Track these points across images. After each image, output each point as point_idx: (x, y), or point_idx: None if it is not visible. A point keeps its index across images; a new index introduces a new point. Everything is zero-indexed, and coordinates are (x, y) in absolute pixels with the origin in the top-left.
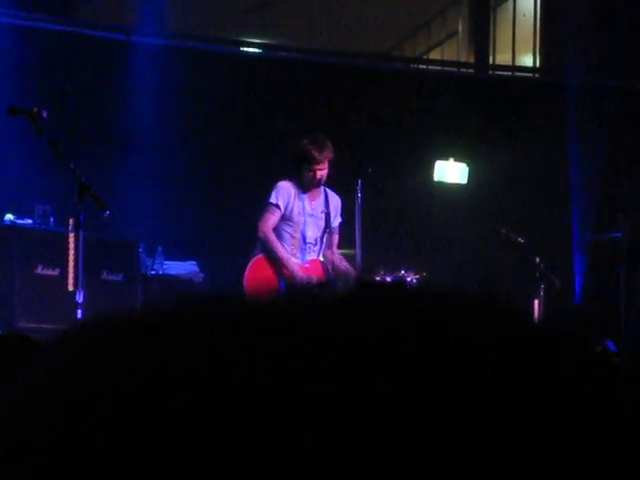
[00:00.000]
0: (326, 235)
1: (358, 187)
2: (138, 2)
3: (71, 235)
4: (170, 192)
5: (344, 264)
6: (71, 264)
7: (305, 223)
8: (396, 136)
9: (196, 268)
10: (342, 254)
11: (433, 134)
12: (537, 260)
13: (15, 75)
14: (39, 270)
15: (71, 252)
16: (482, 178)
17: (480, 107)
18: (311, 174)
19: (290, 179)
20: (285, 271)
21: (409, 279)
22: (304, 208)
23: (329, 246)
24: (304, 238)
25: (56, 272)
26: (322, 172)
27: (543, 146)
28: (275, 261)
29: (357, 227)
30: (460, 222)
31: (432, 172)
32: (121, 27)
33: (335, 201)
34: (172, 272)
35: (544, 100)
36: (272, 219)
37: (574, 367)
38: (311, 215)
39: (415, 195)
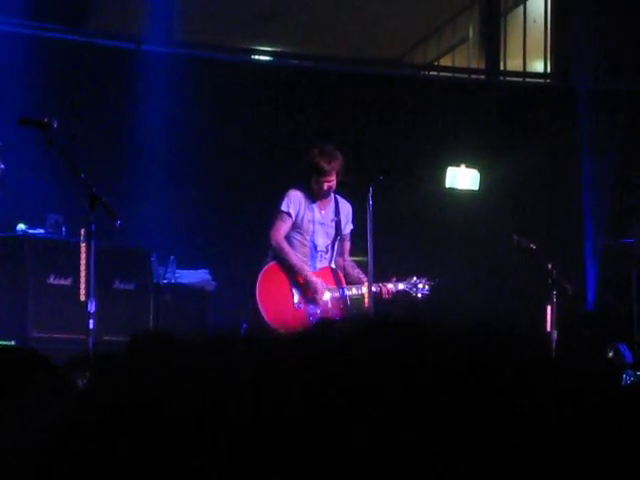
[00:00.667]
0: (337, 243)
1: (369, 194)
2: (148, 11)
3: (83, 245)
4: (182, 200)
5: (356, 271)
6: (83, 274)
7: (315, 231)
8: (407, 143)
9: (209, 276)
10: (355, 261)
11: (444, 140)
12: (549, 266)
13: (26, 85)
14: (51, 280)
15: (83, 262)
16: (494, 184)
17: (491, 113)
18: (319, 185)
19: (301, 187)
20: (299, 278)
21: (421, 286)
22: (314, 216)
23: (340, 253)
24: (314, 246)
25: (68, 282)
26: (330, 183)
27: (555, 152)
28: (288, 268)
29: (369, 234)
30: (472, 228)
31: (444, 178)
32: (131, 36)
33: (346, 208)
34: (184, 281)
35: (555, 106)
36: (284, 227)
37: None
38: (321, 223)
39: (427, 202)
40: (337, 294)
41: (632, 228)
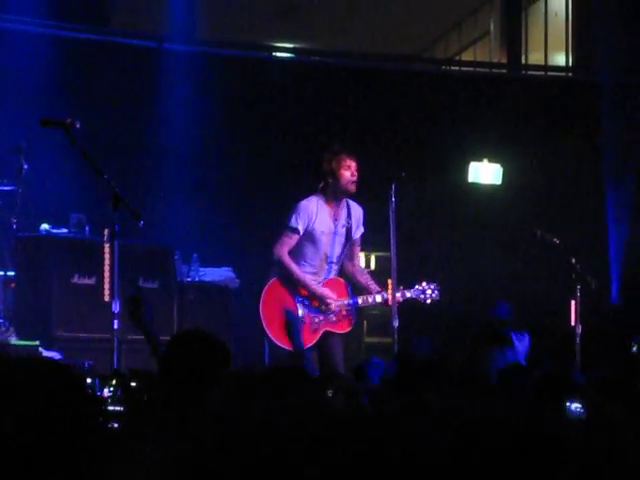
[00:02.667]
0: (346, 248)
1: (392, 191)
2: (169, 10)
3: (106, 245)
4: (205, 199)
5: (364, 277)
6: (107, 274)
7: (327, 242)
8: (430, 138)
9: (232, 274)
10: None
11: (467, 135)
12: (573, 261)
13: (48, 85)
14: (75, 279)
15: (107, 263)
16: (516, 179)
17: (513, 107)
18: (345, 185)
19: (313, 196)
20: (303, 292)
21: (429, 292)
22: (327, 227)
23: (350, 258)
24: (327, 257)
25: (92, 281)
26: (355, 178)
27: (577, 146)
28: (292, 283)
29: (392, 231)
30: (495, 223)
31: (466, 173)
32: (153, 35)
33: (357, 212)
34: (208, 279)
35: (578, 99)
36: (289, 242)
37: None
38: (334, 233)
39: (450, 197)
40: (347, 305)
41: None
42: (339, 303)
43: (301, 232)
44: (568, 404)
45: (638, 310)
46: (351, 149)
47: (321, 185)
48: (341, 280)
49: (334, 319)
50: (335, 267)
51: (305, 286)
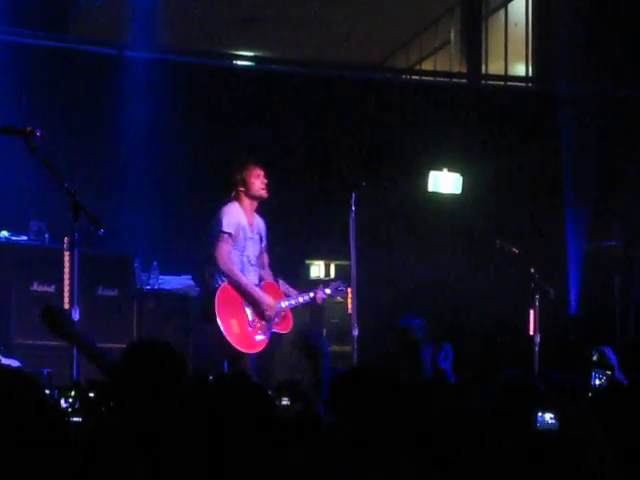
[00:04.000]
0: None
1: (352, 201)
2: (130, 17)
3: (66, 254)
4: (165, 207)
5: (280, 282)
6: (67, 283)
7: (247, 246)
8: (390, 148)
9: (191, 282)
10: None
11: (427, 145)
12: (532, 270)
13: (8, 92)
14: (35, 287)
15: (67, 271)
16: (476, 188)
17: (473, 117)
18: (255, 191)
19: (229, 203)
20: (250, 297)
21: (341, 289)
22: (248, 230)
23: (262, 267)
24: (249, 260)
25: (52, 288)
26: (265, 184)
27: (536, 156)
28: (239, 289)
29: (351, 240)
30: (454, 233)
31: (426, 183)
32: (113, 42)
33: (262, 223)
34: (167, 287)
35: (537, 109)
36: (226, 247)
37: None
38: (251, 238)
39: (409, 206)
40: (286, 306)
41: (615, 231)
42: (278, 306)
43: (233, 235)
44: (540, 415)
45: (596, 320)
46: (259, 160)
47: (233, 194)
48: (275, 283)
49: (277, 320)
50: (256, 269)
51: (250, 291)
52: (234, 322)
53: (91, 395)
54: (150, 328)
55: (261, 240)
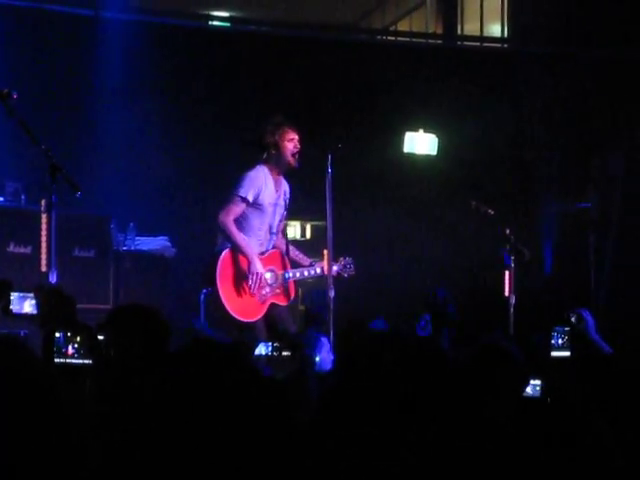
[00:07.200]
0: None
1: (328, 162)
2: None
3: (43, 216)
4: (142, 168)
5: (292, 250)
6: (44, 245)
7: (273, 213)
8: (365, 108)
9: (168, 243)
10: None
11: (402, 106)
12: (507, 232)
13: None
14: (11, 248)
15: (44, 233)
16: (452, 149)
17: (449, 78)
18: (285, 158)
19: (258, 166)
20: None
21: (349, 267)
22: (273, 197)
23: (277, 232)
24: (270, 228)
25: (28, 250)
26: (298, 150)
27: (511, 116)
28: (238, 250)
29: (328, 201)
30: (431, 194)
31: (402, 144)
32: (89, 3)
33: (287, 188)
34: (144, 248)
35: (512, 70)
36: (235, 211)
37: None
38: (276, 204)
39: (385, 167)
40: (289, 277)
41: (589, 193)
42: (281, 277)
43: (250, 202)
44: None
45: (572, 281)
46: (292, 120)
47: (264, 156)
48: (281, 253)
49: (278, 291)
50: (275, 238)
51: (245, 253)
52: (235, 291)
53: (100, 338)
54: (127, 289)
55: (286, 206)
